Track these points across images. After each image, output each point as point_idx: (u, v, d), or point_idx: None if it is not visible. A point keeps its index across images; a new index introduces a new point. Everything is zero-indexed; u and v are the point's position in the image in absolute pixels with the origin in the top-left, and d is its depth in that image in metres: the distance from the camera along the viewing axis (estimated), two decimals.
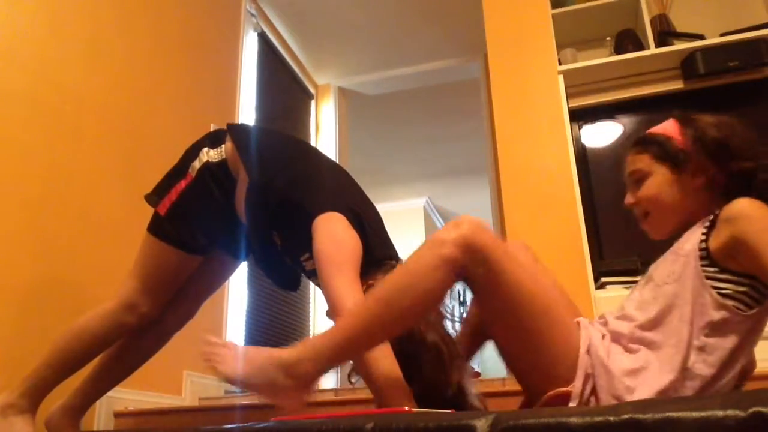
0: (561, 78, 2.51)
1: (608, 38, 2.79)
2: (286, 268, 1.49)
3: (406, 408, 0.95)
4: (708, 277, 1.00)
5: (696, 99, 2.60)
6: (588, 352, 1.02)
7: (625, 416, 0.53)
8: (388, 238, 1.40)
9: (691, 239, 1.05)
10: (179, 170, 1.48)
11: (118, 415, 1.90)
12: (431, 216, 6.81)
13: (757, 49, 2.46)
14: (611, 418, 0.54)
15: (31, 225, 1.72)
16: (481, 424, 0.58)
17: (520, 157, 2.42)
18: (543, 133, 2.42)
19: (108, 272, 1.92)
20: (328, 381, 3.61)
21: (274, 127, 3.42)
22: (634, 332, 1.04)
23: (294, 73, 3.87)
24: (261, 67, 3.34)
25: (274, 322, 3.18)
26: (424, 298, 1.01)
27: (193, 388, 2.33)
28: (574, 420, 0.55)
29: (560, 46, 2.62)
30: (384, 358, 1.07)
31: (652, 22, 2.66)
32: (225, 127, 1.52)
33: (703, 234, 1.03)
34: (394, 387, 1.06)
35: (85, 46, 2.02)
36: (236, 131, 1.48)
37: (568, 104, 2.52)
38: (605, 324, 1.10)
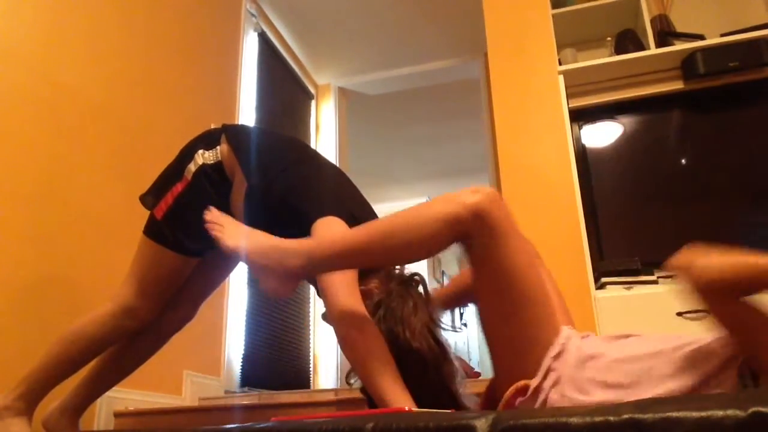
0: (561, 78, 2.51)
1: (608, 38, 2.79)
2: None
3: (406, 408, 0.95)
4: None
5: (696, 99, 2.60)
6: (557, 357, 1.02)
7: (625, 416, 0.54)
8: None
9: None
10: (175, 172, 1.46)
11: (118, 415, 1.90)
12: None
13: (757, 49, 2.46)
14: (611, 418, 0.54)
15: (31, 223, 1.72)
16: (481, 424, 0.58)
17: (520, 157, 2.42)
18: (543, 133, 2.42)
19: (108, 271, 1.92)
20: (328, 381, 3.61)
21: (274, 128, 3.43)
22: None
23: (294, 73, 3.87)
24: (261, 67, 3.34)
25: (273, 322, 3.18)
26: (420, 243, 1.04)
27: (193, 388, 2.33)
28: (574, 420, 0.55)
29: (560, 46, 2.62)
30: (384, 364, 1.07)
31: (652, 22, 2.66)
32: (220, 127, 1.50)
33: None
34: (395, 391, 1.05)
35: (85, 45, 2.02)
36: (232, 133, 1.46)
37: (568, 104, 2.52)
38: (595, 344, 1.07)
